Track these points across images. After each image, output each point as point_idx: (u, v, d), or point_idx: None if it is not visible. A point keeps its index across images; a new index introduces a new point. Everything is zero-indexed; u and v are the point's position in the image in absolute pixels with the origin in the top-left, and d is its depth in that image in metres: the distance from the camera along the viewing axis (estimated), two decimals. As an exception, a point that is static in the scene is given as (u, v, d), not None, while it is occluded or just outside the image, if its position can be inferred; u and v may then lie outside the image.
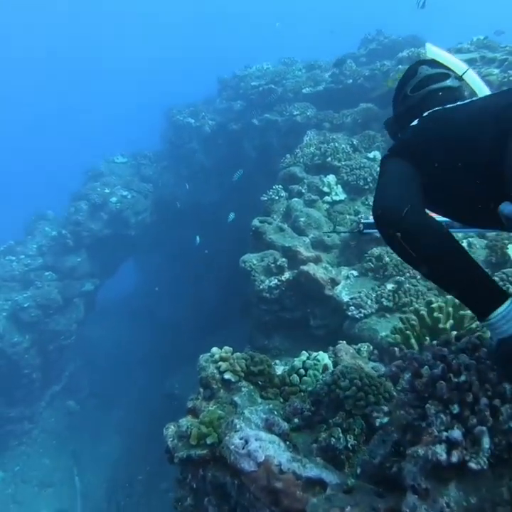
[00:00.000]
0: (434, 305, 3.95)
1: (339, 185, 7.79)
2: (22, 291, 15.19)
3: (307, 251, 6.78)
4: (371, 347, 5.15)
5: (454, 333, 2.69)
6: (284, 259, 6.77)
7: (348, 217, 7.42)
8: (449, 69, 2.45)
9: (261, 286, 6.74)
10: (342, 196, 7.65)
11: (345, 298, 6.11)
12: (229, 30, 56.01)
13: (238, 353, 3.70)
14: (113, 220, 16.55)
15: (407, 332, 4.04)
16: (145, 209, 17.33)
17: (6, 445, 14.97)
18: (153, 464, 13.93)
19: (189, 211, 17.19)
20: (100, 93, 57.50)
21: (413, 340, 3.97)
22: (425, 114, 2.23)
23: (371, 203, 7.18)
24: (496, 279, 4.74)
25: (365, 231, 2.70)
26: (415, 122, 2.25)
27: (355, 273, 6.48)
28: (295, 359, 3.90)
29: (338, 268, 6.76)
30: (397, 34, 15.07)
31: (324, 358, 3.78)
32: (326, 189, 7.77)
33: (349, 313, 5.79)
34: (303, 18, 51.26)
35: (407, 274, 6.07)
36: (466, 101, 2.16)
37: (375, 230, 1.99)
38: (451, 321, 3.82)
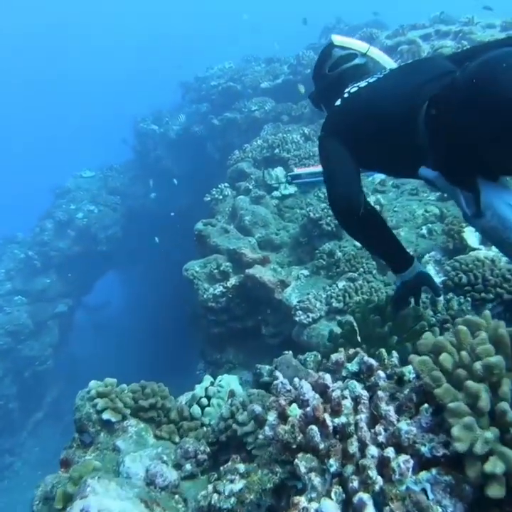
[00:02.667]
0: (371, 305, 3.30)
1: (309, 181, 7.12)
2: (-9, 318, 14.59)
3: (253, 252, 6.12)
4: (319, 356, 4.45)
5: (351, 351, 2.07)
6: (228, 264, 6.11)
7: (299, 211, 6.75)
8: (355, 50, 2.92)
9: (205, 296, 6.07)
10: (292, 189, 6.98)
11: (295, 301, 5.45)
12: (194, 30, 54.87)
13: (125, 385, 3.01)
14: (81, 236, 15.89)
15: (341, 340, 3.37)
16: (114, 222, 16.64)
17: (-14, 482, 14.24)
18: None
19: (159, 220, 16.47)
20: (67, 106, 56.49)
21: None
22: (345, 95, 2.56)
23: (322, 195, 6.67)
24: (448, 268, 4.18)
25: (292, 182, 3.04)
26: (338, 102, 2.58)
27: (306, 272, 5.83)
28: (196, 386, 3.19)
29: (288, 268, 6.10)
30: (358, 20, 14.53)
31: (230, 382, 3.10)
32: (274, 183, 7.11)
33: (296, 319, 5.12)
34: (273, 11, 50.23)
35: (361, 270, 5.42)
36: (375, 78, 2.54)
37: (301, 180, 2.92)
38: (389, 323, 3.15)
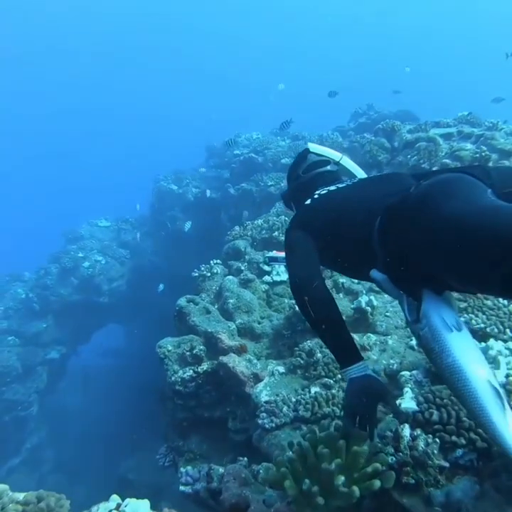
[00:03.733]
0: (322, 432, 2.97)
1: (282, 265, 6.86)
2: (-19, 356, 14.34)
3: (230, 339, 5.79)
4: (271, 471, 4.07)
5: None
6: (202, 347, 5.78)
7: (287, 301, 6.45)
8: (329, 158, 3.21)
9: (173, 378, 5.73)
10: (284, 276, 6.69)
11: (265, 398, 5.08)
12: (228, 95, 56.31)
13: (18, 495, 2.66)
14: (84, 285, 15.72)
15: (283, 469, 3.01)
16: (120, 276, 16.47)
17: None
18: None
19: (169, 280, 16.25)
20: (93, 153, 57.88)
21: (288, 483, 2.93)
22: (316, 195, 2.79)
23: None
24: (421, 399, 3.85)
25: (270, 263, 3.18)
26: (308, 201, 2.81)
27: (282, 369, 5.47)
28: (100, 506, 2.80)
29: (265, 361, 5.76)
30: (389, 109, 14.57)
31: (138, 508, 2.71)
32: (266, 268, 6.84)
33: (259, 422, 4.75)
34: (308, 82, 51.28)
35: (338, 377, 5.06)
36: (344, 184, 2.81)
37: (277, 262, 3.17)
38: (338, 460, 2.80)
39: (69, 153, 56.19)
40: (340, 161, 3.21)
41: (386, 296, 6.36)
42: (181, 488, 5.43)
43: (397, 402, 4.16)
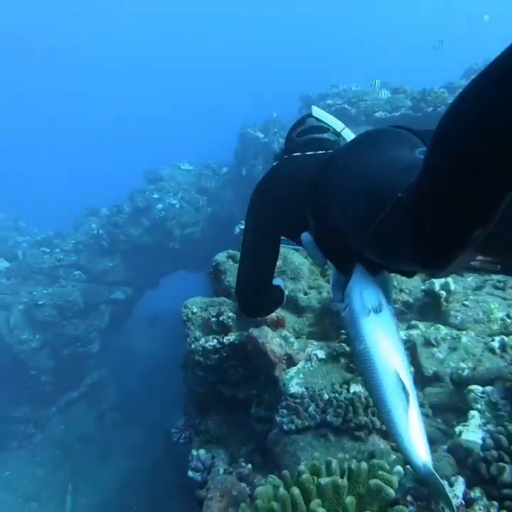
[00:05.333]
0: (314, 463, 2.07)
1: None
2: (47, 286, 14.14)
3: (266, 309, 4.76)
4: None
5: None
6: (231, 315, 4.80)
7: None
8: (330, 126, 2.81)
9: (193, 346, 4.81)
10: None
11: (293, 389, 4.07)
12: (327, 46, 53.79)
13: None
14: (155, 228, 15.11)
15: (274, 503, 2.05)
16: (195, 223, 15.67)
17: (4, 445, 13.88)
18: (143, 505, 12.08)
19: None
20: (183, 96, 57.47)
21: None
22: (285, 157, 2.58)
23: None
24: (490, 441, 2.71)
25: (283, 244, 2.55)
26: (275, 163, 2.56)
27: (322, 354, 4.43)
28: None
29: (304, 341, 4.72)
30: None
31: None
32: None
33: (277, 419, 3.75)
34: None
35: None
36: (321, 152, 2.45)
37: (284, 243, 2.47)
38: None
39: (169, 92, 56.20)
40: (342, 132, 2.81)
41: (470, 279, 5.15)
42: (190, 473, 4.61)
43: (457, 429, 3.03)
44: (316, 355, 4.40)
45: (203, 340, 4.79)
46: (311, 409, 3.70)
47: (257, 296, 2.45)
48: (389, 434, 2.03)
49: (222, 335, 4.78)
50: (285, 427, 3.65)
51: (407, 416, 1.93)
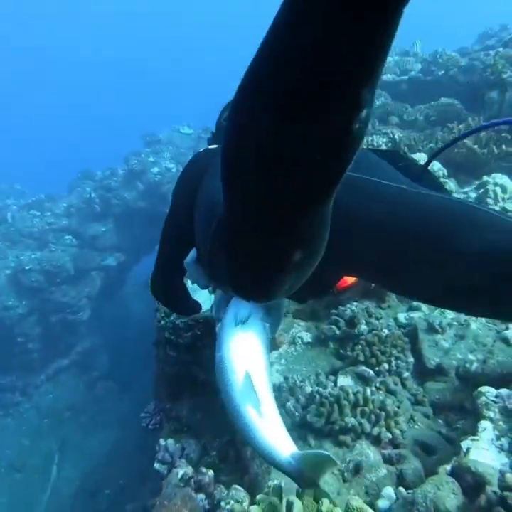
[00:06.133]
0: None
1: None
2: (36, 250, 13.58)
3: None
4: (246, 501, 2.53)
5: None
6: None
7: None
8: None
9: (163, 322, 4.21)
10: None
11: (272, 378, 3.46)
12: None
13: None
14: (149, 192, 14.42)
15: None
16: (191, 188, 15.01)
17: (-10, 413, 13.41)
18: (130, 478, 11.66)
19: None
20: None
21: None
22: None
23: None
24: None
25: None
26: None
27: (308, 337, 3.83)
28: None
29: (290, 320, 4.11)
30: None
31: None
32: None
33: (250, 415, 3.15)
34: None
35: (384, 366, 3.36)
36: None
37: None
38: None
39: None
40: None
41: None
42: (156, 465, 4.07)
43: (465, 445, 2.42)
44: (301, 338, 3.82)
45: (174, 315, 4.18)
46: (289, 404, 3.10)
47: (161, 285, 2.32)
48: (245, 440, 1.96)
49: (196, 311, 4.17)
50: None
51: (261, 418, 1.88)
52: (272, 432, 1.85)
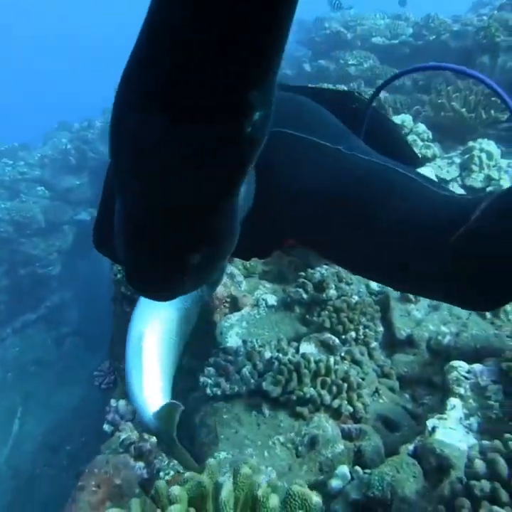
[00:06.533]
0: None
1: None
2: (6, 200, 13.14)
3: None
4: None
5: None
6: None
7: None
8: None
9: (119, 276, 3.93)
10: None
11: (229, 341, 3.23)
12: None
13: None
14: (126, 146, 13.94)
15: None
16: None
17: (-48, 366, 13.15)
18: (91, 436, 11.47)
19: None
20: None
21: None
22: None
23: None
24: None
25: None
26: None
27: (273, 300, 3.58)
28: None
29: (255, 281, 3.85)
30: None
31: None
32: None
33: (201, 379, 2.90)
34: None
35: (351, 334, 3.14)
36: None
37: None
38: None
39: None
40: None
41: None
42: (105, 426, 3.85)
43: (430, 423, 2.20)
44: (265, 300, 3.56)
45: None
46: (245, 370, 2.86)
47: (103, 237, 1.93)
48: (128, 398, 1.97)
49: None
50: (208, 391, 2.81)
51: (141, 376, 1.98)
52: (143, 393, 1.93)
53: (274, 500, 1.28)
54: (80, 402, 12.94)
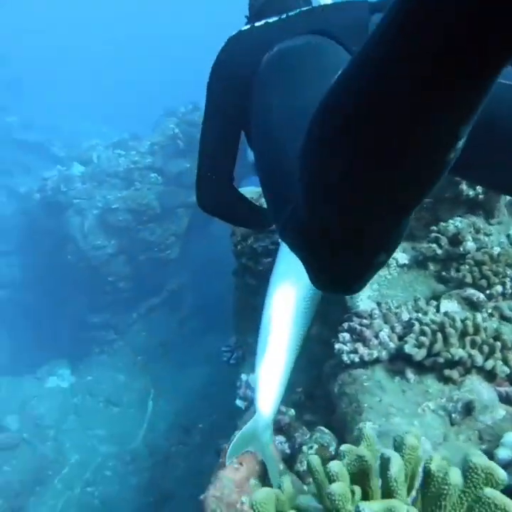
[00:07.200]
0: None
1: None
2: (122, 190, 13.57)
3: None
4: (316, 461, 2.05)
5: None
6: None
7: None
8: None
9: (239, 247, 3.86)
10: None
11: (361, 305, 3.01)
12: None
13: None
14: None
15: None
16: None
17: (87, 351, 13.87)
18: (220, 414, 11.72)
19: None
20: None
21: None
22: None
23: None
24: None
25: None
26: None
27: (404, 258, 3.31)
28: None
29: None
30: None
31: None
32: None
33: (336, 346, 2.71)
34: None
35: (497, 288, 2.83)
36: (275, 19, 1.94)
37: None
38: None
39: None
40: None
41: None
42: (237, 402, 3.79)
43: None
44: (396, 259, 3.29)
45: (251, 239, 3.76)
46: (383, 334, 2.62)
47: (211, 187, 2.20)
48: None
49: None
50: (345, 358, 2.61)
51: (264, 353, 2.03)
52: (268, 373, 1.98)
53: (455, 476, 1.07)
54: (205, 382, 13.26)
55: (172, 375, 13.67)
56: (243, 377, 3.98)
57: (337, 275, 1.13)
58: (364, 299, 3.07)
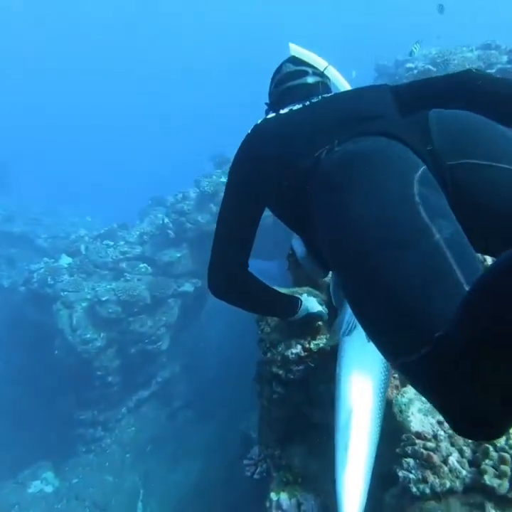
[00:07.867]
0: None
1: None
2: (111, 281, 13.37)
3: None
4: None
5: None
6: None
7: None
8: (311, 66, 2.37)
9: (269, 354, 3.55)
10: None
11: (415, 423, 2.74)
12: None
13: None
14: (223, 213, 13.99)
15: None
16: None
17: (73, 451, 13.23)
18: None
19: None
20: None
21: None
22: (259, 121, 2.09)
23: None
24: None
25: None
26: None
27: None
28: None
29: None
30: None
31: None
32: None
33: (400, 474, 2.43)
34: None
35: None
36: (300, 105, 1.98)
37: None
38: None
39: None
40: (325, 72, 2.27)
41: None
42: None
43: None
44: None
45: (282, 346, 3.51)
46: (452, 460, 2.35)
47: (223, 272, 2.03)
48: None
49: (309, 338, 3.47)
50: (413, 489, 2.32)
51: (346, 458, 1.92)
52: (350, 478, 1.84)
53: None
54: (198, 478, 12.62)
55: (163, 472, 13.06)
56: (273, 496, 3.63)
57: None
58: (415, 413, 2.80)
